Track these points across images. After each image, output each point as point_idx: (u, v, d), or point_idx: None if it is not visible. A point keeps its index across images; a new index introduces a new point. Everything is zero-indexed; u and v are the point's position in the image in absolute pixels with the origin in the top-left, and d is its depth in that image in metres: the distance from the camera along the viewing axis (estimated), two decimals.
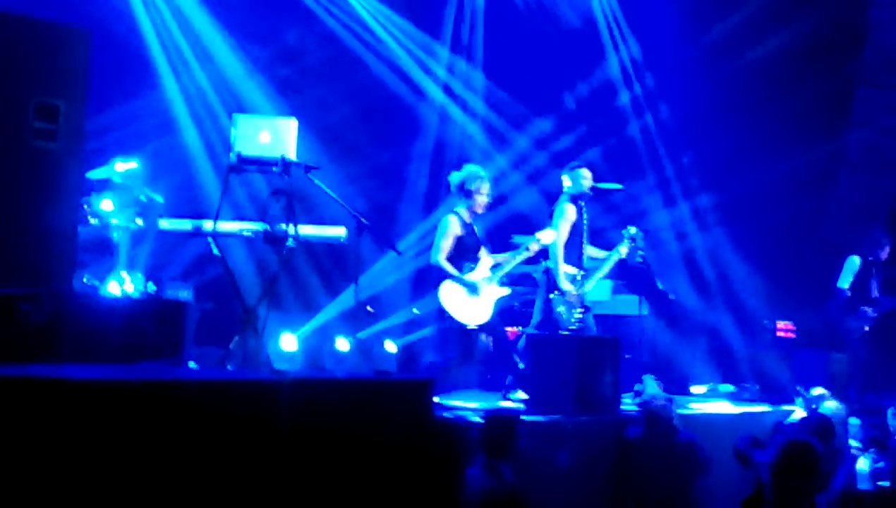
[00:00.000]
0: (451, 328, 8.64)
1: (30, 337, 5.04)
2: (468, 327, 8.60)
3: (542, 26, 12.78)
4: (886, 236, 11.18)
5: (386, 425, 4.31)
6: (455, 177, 8.87)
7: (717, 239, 12.77)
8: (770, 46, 12.59)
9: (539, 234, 8.80)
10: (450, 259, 8.58)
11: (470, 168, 8.97)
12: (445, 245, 8.57)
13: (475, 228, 8.80)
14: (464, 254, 8.63)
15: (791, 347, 11.33)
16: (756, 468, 5.70)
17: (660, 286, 10.79)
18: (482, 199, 8.75)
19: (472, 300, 8.55)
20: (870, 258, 11.03)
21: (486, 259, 8.70)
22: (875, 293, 11.02)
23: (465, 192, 8.73)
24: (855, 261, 11.00)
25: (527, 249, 8.80)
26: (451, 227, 8.60)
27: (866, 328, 10.89)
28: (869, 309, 10.87)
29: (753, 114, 12.65)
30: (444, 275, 8.54)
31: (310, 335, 9.72)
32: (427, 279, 10.84)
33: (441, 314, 8.66)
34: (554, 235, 8.79)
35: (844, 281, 10.96)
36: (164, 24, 11.09)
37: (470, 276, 8.57)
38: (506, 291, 8.82)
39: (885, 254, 11.10)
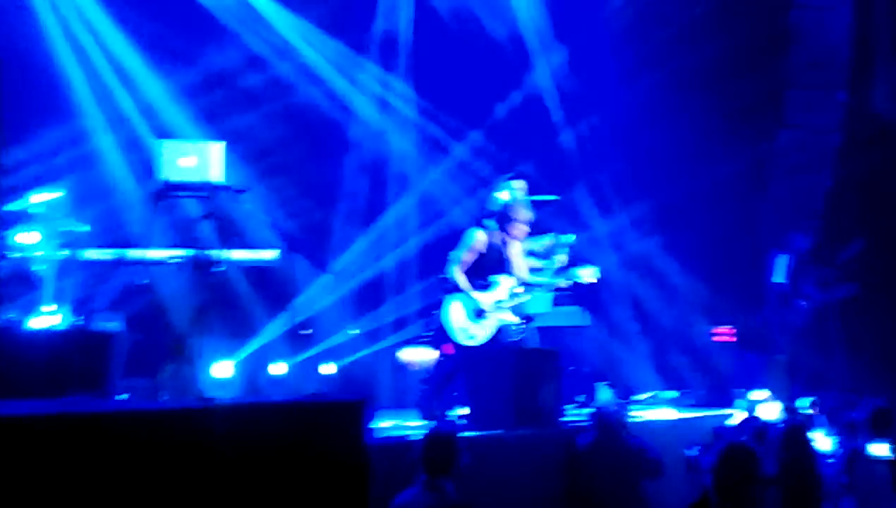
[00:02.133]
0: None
1: None
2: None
3: (470, 39, 12.77)
4: (807, 232, 11.37)
5: (318, 447, 4.28)
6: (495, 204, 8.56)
7: (652, 246, 12.82)
8: (698, 51, 12.67)
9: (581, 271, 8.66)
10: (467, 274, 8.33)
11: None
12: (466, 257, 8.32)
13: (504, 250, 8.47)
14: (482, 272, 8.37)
15: (731, 351, 11.40)
16: (702, 474, 5.71)
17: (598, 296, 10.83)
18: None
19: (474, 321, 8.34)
20: (798, 255, 11.21)
21: (506, 282, 8.45)
22: (808, 288, 11.21)
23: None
24: (784, 259, 11.16)
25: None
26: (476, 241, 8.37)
27: (800, 323, 11.04)
28: (803, 303, 11.03)
29: (684, 119, 12.73)
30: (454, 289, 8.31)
31: (245, 361, 9.58)
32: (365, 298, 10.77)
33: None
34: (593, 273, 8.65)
35: (779, 277, 11.08)
36: (83, 50, 10.90)
37: (480, 297, 8.35)
38: (514, 319, 8.46)
39: (807, 246, 11.29)
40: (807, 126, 13.10)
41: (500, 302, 8.38)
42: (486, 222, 8.44)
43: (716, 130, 12.69)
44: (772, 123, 13.09)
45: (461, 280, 8.30)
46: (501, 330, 8.44)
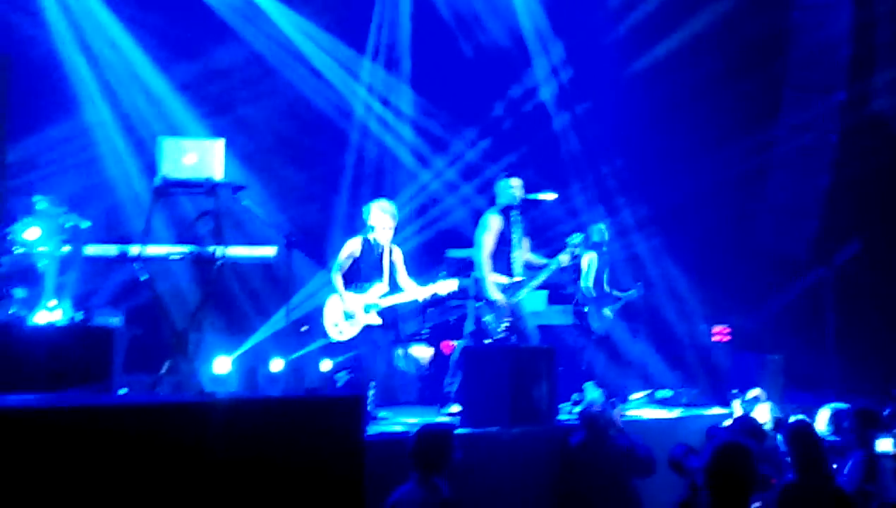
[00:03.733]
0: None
1: None
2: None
3: (469, 38, 12.82)
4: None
5: (316, 443, 4.30)
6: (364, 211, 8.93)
7: (649, 245, 12.86)
8: (697, 51, 12.72)
9: (439, 284, 8.86)
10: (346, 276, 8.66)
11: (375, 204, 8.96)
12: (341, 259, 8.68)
13: (385, 254, 8.78)
14: (358, 275, 8.69)
15: (727, 350, 11.43)
16: (691, 474, 5.71)
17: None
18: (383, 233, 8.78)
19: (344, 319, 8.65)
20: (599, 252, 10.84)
21: (377, 287, 8.70)
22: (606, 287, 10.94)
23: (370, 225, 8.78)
24: (591, 260, 10.76)
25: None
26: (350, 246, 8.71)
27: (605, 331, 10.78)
28: (608, 310, 10.77)
29: (682, 119, 12.77)
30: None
31: (244, 357, 9.65)
32: None
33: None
34: (453, 285, 8.86)
35: (586, 281, 10.66)
36: (85, 47, 10.97)
37: (350, 299, 8.60)
38: (377, 320, 8.73)
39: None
40: (804, 126, 13.13)
41: (368, 305, 8.59)
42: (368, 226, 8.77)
43: (714, 130, 12.72)
44: (769, 123, 13.12)
45: (337, 283, 8.61)
46: (477, 324, 8.85)
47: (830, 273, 12.23)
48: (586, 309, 10.52)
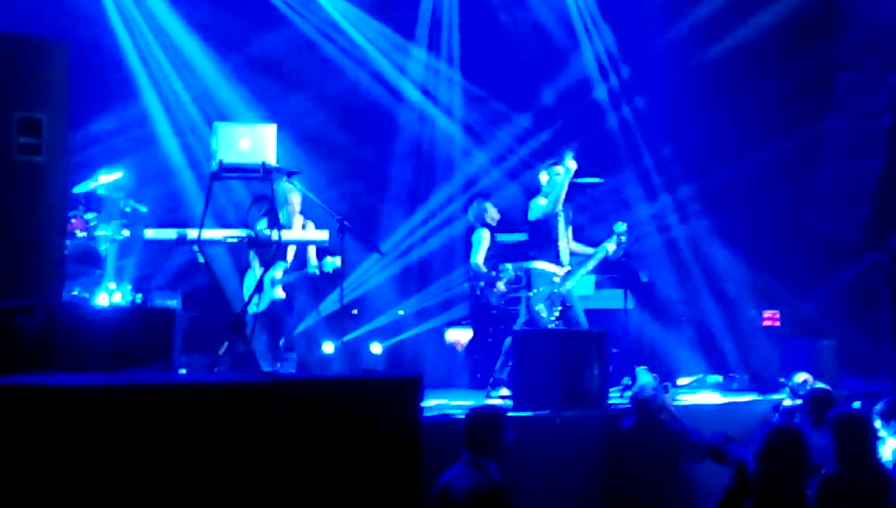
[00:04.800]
0: None
1: (23, 348, 5.12)
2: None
3: (518, 22, 12.82)
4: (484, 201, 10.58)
5: (374, 423, 4.33)
6: None
7: (699, 229, 12.81)
8: (747, 32, 12.60)
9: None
10: None
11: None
12: None
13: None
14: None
15: (778, 336, 11.37)
16: (731, 461, 5.68)
17: (644, 279, 10.86)
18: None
19: None
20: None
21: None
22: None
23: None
24: (481, 234, 10.21)
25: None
26: None
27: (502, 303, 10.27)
28: (498, 287, 10.15)
29: (732, 101, 12.65)
30: None
31: (298, 339, 9.80)
32: (411, 280, 10.97)
33: None
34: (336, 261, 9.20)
35: (475, 256, 10.16)
36: (142, 35, 11.14)
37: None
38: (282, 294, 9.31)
39: (491, 219, 10.34)
40: (857, 109, 12.97)
41: (274, 280, 9.10)
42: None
43: (765, 112, 12.59)
44: (822, 105, 12.98)
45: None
46: (530, 312, 8.94)
47: (886, 257, 12.10)
48: (481, 284, 10.34)
